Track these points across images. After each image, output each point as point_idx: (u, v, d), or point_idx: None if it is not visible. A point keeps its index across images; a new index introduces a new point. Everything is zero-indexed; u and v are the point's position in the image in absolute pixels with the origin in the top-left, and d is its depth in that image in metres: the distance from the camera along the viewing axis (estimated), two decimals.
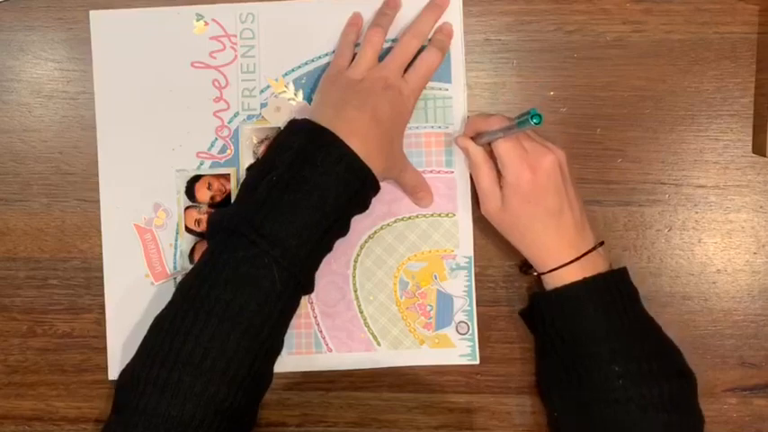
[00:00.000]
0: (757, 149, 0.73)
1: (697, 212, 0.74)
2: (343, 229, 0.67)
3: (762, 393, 0.74)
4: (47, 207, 0.75)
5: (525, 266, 0.72)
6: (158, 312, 0.64)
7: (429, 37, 0.72)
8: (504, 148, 0.67)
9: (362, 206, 0.68)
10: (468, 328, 0.74)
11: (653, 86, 0.74)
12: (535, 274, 0.70)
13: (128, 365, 0.63)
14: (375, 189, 0.67)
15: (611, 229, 0.74)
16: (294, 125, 0.67)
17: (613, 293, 0.67)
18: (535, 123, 0.61)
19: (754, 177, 0.74)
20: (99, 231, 0.75)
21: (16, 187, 0.75)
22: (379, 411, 0.75)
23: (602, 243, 0.69)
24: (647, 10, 0.73)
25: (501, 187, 0.68)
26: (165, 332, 0.62)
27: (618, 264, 0.69)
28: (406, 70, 0.70)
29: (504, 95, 0.74)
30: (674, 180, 0.74)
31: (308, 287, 0.66)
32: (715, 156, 0.74)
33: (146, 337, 0.63)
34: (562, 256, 0.67)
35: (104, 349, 0.75)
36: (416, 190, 0.73)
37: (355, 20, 0.73)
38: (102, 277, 0.75)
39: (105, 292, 0.74)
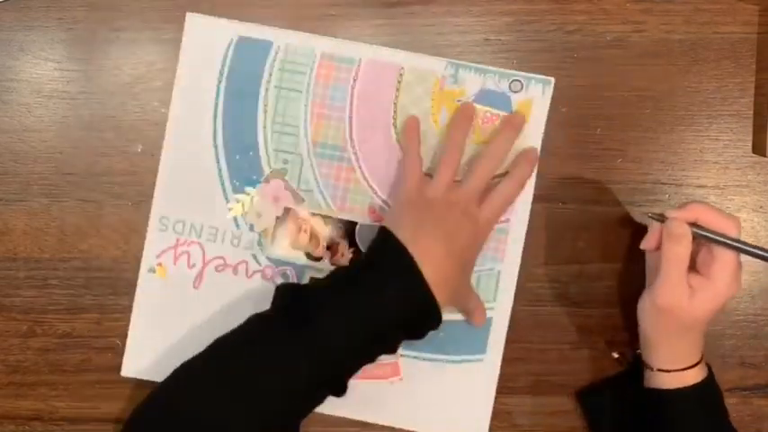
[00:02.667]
0: (757, 149, 0.73)
1: None
2: (387, 345, 0.65)
3: (762, 393, 0.74)
4: (47, 207, 0.75)
5: (622, 353, 0.73)
6: (186, 361, 0.64)
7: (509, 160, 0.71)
8: (732, 258, 0.64)
9: (416, 333, 0.66)
10: None
11: (653, 86, 0.74)
12: (653, 369, 0.68)
13: (137, 411, 0.63)
14: (437, 322, 0.65)
15: (610, 229, 0.74)
16: (386, 242, 0.65)
17: (711, 398, 0.68)
18: None
19: (754, 177, 0.74)
20: (99, 231, 0.75)
21: (16, 187, 0.75)
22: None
23: (703, 356, 0.69)
24: (647, 10, 0.73)
25: (690, 285, 0.65)
26: (185, 389, 0.62)
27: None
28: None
29: None
30: (674, 180, 0.74)
31: (339, 391, 0.64)
32: (715, 156, 0.74)
33: (166, 383, 0.63)
34: (688, 360, 0.67)
35: (103, 349, 0.75)
36: (473, 314, 0.72)
37: (412, 124, 0.72)
38: (102, 277, 0.75)
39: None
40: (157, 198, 0.74)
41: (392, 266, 0.64)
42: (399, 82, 0.73)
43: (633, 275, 0.71)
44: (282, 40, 0.73)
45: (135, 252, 0.74)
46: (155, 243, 0.74)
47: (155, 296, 0.74)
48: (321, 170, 0.74)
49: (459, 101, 0.73)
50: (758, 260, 0.64)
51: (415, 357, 0.73)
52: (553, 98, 0.73)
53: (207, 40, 0.74)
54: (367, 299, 0.63)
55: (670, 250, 0.64)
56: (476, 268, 0.72)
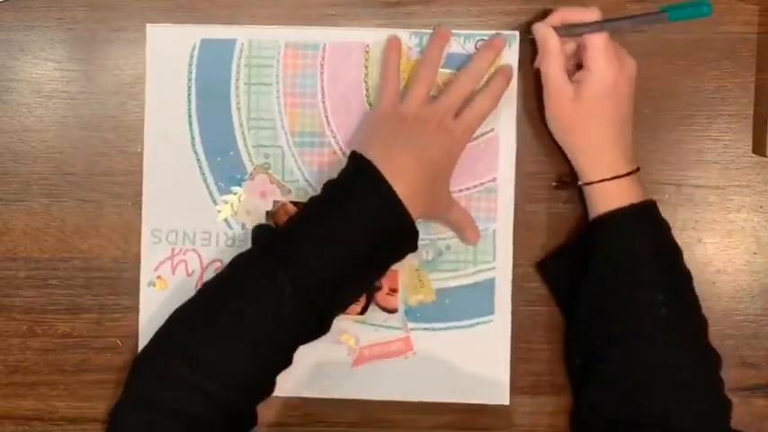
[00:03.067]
0: (757, 149, 0.73)
1: (697, 212, 0.74)
2: (370, 269, 0.66)
3: (762, 393, 0.74)
4: (47, 207, 0.75)
5: (562, 181, 0.72)
6: (179, 306, 0.65)
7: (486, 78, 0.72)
8: (598, 40, 0.67)
9: (394, 252, 0.67)
10: None
11: (653, 86, 0.74)
12: (579, 184, 0.70)
13: (141, 352, 0.64)
14: (413, 235, 0.66)
15: None
16: (351, 158, 0.67)
17: (658, 222, 0.68)
18: (706, 14, 0.59)
19: (754, 177, 0.74)
20: (99, 231, 0.75)
21: (16, 187, 0.75)
22: (380, 411, 0.75)
23: (638, 168, 0.69)
24: (647, 10, 0.73)
25: (573, 81, 0.68)
26: (179, 329, 0.63)
27: None
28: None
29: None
30: (674, 180, 0.74)
31: (324, 317, 0.65)
32: (715, 156, 0.74)
33: (162, 328, 0.64)
34: (619, 167, 0.68)
35: (103, 349, 0.75)
36: (462, 228, 0.72)
37: (394, 44, 0.72)
38: (102, 277, 0.75)
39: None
40: (146, 211, 0.74)
41: (361, 185, 0.64)
42: (366, 59, 0.73)
43: None
44: (245, 36, 0.74)
45: (135, 252, 0.74)
46: (150, 256, 0.74)
47: (159, 309, 0.74)
48: (304, 159, 0.74)
49: None
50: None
51: (425, 329, 0.74)
52: None
53: (170, 48, 0.74)
54: (339, 219, 0.64)
55: (541, 52, 0.69)
56: None
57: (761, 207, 0.74)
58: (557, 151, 0.73)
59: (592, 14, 0.68)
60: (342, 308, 0.67)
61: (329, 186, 0.67)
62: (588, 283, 0.69)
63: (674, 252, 0.68)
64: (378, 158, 0.65)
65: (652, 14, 0.66)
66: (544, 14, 0.71)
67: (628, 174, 0.68)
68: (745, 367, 0.74)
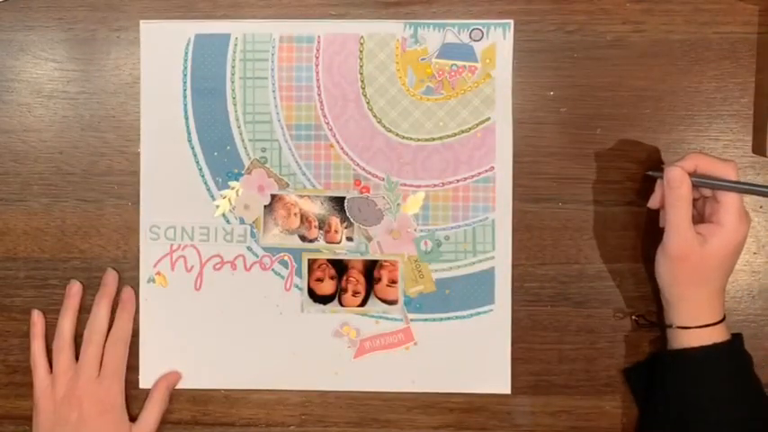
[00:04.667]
0: (757, 149, 0.73)
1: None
2: None
3: None
4: (47, 207, 0.75)
5: (649, 321, 0.72)
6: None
7: None
8: (734, 198, 0.66)
9: None
10: None
11: (653, 86, 0.74)
12: (675, 326, 0.68)
13: None
14: None
15: (610, 229, 0.74)
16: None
17: (739, 360, 0.69)
18: None
19: (754, 177, 0.74)
20: (99, 231, 0.75)
21: (16, 187, 0.75)
22: (379, 411, 0.75)
23: (725, 317, 0.69)
24: (647, 10, 0.73)
25: (700, 233, 0.66)
26: None
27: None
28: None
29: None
30: None
31: None
32: (715, 156, 0.74)
33: None
34: (710, 316, 0.67)
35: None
36: None
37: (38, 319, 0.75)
38: (102, 277, 0.75)
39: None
40: (144, 208, 0.74)
41: None
42: (361, 51, 0.74)
43: (633, 275, 0.71)
44: (239, 30, 0.74)
45: (135, 252, 0.74)
46: (149, 253, 0.74)
47: (159, 306, 0.74)
48: (300, 152, 0.74)
49: (423, 60, 0.73)
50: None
51: (425, 320, 0.74)
52: (553, 98, 0.73)
53: (165, 45, 0.74)
54: None
55: (671, 196, 0.67)
56: (470, 220, 0.73)
57: (761, 207, 0.74)
58: (555, 151, 0.73)
59: (729, 171, 0.66)
60: None
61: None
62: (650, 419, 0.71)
63: (754, 387, 0.68)
64: None
65: None
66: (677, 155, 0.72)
67: (718, 322, 0.68)
68: None
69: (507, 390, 0.74)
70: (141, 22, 0.74)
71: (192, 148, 0.74)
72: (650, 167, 0.71)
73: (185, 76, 0.74)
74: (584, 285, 0.74)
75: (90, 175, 0.75)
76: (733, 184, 0.66)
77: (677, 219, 0.66)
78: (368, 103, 0.74)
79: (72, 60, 0.75)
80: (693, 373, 0.67)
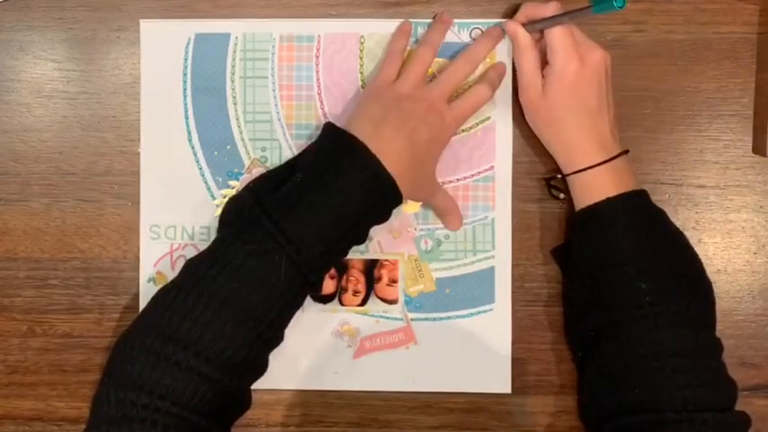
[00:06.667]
0: (757, 149, 0.73)
1: (697, 212, 0.74)
2: (359, 237, 0.67)
3: (762, 393, 0.74)
4: (47, 207, 0.75)
5: (551, 179, 0.72)
6: (162, 286, 0.64)
7: (480, 71, 0.73)
8: (557, 34, 0.67)
9: (382, 218, 0.67)
10: None
11: (653, 86, 0.74)
12: (559, 176, 0.70)
13: (123, 334, 0.63)
14: (397, 201, 0.67)
15: None
16: (329, 131, 0.67)
17: (647, 210, 0.68)
18: (619, 7, 0.59)
19: (754, 177, 0.74)
20: (99, 231, 0.75)
21: (16, 187, 0.75)
22: (379, 411, 0.75)
23: (627, 151, 0.69)
24: (647, 10, 0.73)
25: (543, 76, 0.68)
26: (166, 308, 0.62)
27: None
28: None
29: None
30: (674, 180, 0.74)
31: (316, 288, 0.67)
32: (715, 156, 0.74)
33: (146, 308, 0.64)
34: (593, 157, 0.68)
35: (103, 349, 0.75)
36: (446, 214, 0.73)
37: (405, 28, 0.73)
38: (102, 277, 0.75)
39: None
40: (144, 207, 0.74)
41: (349, 160, 0.64)
42: (361, 50, 0.74)
43: None
44: (239, 29, 0.74)
45: (135, 252, 0.74)
46: (149, 253, 0.74)
47: None
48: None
49: None
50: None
51: (425, 319, 0.74)
52: None
53: (165, 44, 0.74)
54: (330, 195, 0.63)
55: (513, 49, 0.71)
56: (470, 219, 0.73)
57: (761, 207, 0.74)
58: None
59: (548, 9, 0.68)
60: (330, 267, 0.68)
61: (313, 160, 0.67)
62: (572, 279, 0.70)
63: (663, 237, 0.68)
64: (367, 137, 0.65)
65: (583, 9, 0.65)
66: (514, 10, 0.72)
67: (603, 162, 0.67)
68: (745, 367, 0.74)
69: (507, 390, 0.74)
70: (141, 21, 0.74)
71: (192, 148, 0.74)
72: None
73: (185, 75, 0.74)
74: None
75: (90, 175, 0.75)
76: (551, 20, 0.67)
77: (519, 66, 0.69)
78: None
79: (72, 60, 0.75)
80: (592, 227, 0.68)
